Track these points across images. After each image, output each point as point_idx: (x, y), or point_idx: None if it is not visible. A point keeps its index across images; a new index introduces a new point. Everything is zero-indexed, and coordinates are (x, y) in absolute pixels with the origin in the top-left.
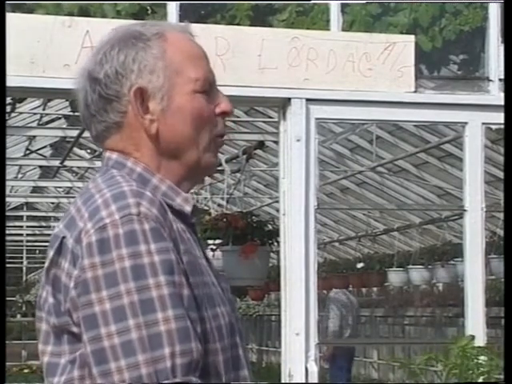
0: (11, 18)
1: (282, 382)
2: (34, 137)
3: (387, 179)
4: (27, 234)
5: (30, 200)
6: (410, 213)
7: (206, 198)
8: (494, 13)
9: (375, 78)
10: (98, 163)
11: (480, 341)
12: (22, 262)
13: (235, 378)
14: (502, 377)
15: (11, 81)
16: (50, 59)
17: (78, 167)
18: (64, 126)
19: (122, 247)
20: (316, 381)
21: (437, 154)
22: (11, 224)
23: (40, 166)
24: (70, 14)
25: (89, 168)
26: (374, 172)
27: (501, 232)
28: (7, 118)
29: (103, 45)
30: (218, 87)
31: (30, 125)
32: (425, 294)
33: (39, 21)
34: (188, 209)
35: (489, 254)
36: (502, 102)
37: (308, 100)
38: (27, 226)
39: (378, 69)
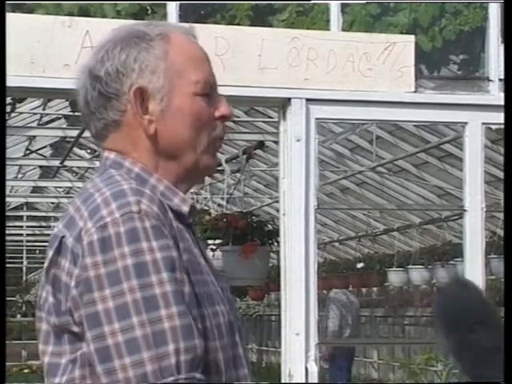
0: (11, 18)
1: (282, 382)
2: (34, 137)
3: (387, 179)
4: (27, 234)
5: (30, 200)
6: (410, 213)
7: (205, 197)
8: (494, 13)
9: (375, 78)
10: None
11: None
12: (22, 262)
13: (235, 376)
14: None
15: (11, 81)
16: (49, 59)
17: (78, 167)
18: (64, 126)
19: (124, 245)
20: (316, 381)
21: (437, 154)
22: (11, 224)
23: (40, 166)
24: (70, 14)
25: (89, 168)
26: (374, 172)
27: (501, 232)
28: (7, 117)
29: (106, 42)
30: (219, 91)
31: (30, 125)
32: (425, 293)
33: (39, 21)
34: (185, 209)
35: (489, 254)
36: (502, 102)
37: (308, 100)
38: (27, 226)
39: (378, 69)
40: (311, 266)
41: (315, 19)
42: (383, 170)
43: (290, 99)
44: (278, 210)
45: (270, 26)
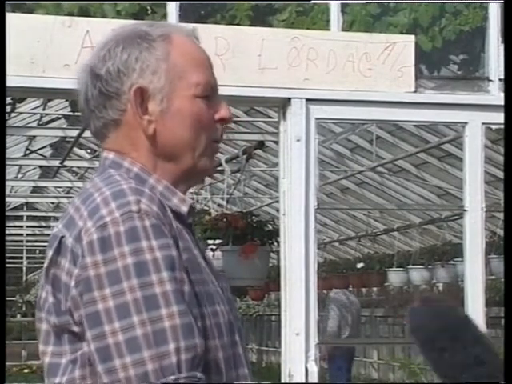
0: (11, 18)
1: (282, 382)
2: (34, 137)
3: (387, 179)
4: (27, 234)
5: (30, 200)
6: (410, 213)
7: (205, 197)
8: (494, 13)
9: (375, 78)
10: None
11: None
12: (22, 262)
13: (235, 376)
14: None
15: (11, 81)
16: (50, 59)
17: (78, 167)
18: (64, 126)
19: (124, 244)
20: (316, 381)
21: (437, 154)
22: (11, 224)
23: (40, 166)
24: (70, 14)
25: (89, 168)
26: (374, 172)
27: (501, 232)
28: (7, 117)
29: (108, 41)
30: (220, 93)
31: (30, 125)
32: (425, 294)
33: (39, 21)
34: (184, 209)
35: (489, 253)
36: (502, 102)
37: (308, 100)
38: (27, 226)
39: (378, 69)
40: (311, 266)
41: (315, 19)
42: (383, 169)
43: (290, 99)
44: (278, 210)
45: (270, 26)
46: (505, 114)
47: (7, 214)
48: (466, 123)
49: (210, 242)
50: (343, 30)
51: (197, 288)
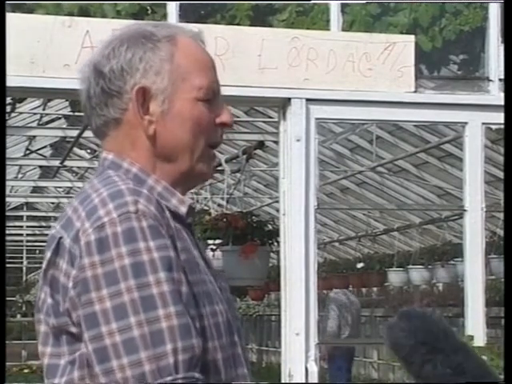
0: (11, 18)
1: (282, 382)
2: (34, 137)
3: (387, 179)
4: (27, 234)
5: (30, 200)
6: (410, 213)
7: (206, 197)
8: (494, 13)
9: (375, 78)
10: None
11: (480, 341)
12: (22, 262)
13: (234, 376)
14: (502, 377)
15: (11, 81)
16: (50, 59)
17: (78, 167)
18: (64, 126)
19: (121, 245)
20: (316, 381)
21: (437, 154)
22: (11, 224)
23: (40, 166)
24: (70, 14)
25: (89, 168)
26: (374, 172)
27: (501, 232)
28: (7, 117)
29: (113, 40)
30: (222, 98)
31: (30, 125)
32: (425, 293)
33: (39, 21)
34: (183, 210)
35: (489, 253)
36: (502, 102)
37: (308, 100)
38: (27, 226)
39: (378, 69)
40: (311, 266)
41: (315, 19)
42: (383, 169)
43: (290, 99)
44: (278, 210)
45: (270, 26)
46: (505, 114)
47: (7, 214)
48: (466, 123)
49: (210, 241)
50: (343, 30)
51: (195, 288)
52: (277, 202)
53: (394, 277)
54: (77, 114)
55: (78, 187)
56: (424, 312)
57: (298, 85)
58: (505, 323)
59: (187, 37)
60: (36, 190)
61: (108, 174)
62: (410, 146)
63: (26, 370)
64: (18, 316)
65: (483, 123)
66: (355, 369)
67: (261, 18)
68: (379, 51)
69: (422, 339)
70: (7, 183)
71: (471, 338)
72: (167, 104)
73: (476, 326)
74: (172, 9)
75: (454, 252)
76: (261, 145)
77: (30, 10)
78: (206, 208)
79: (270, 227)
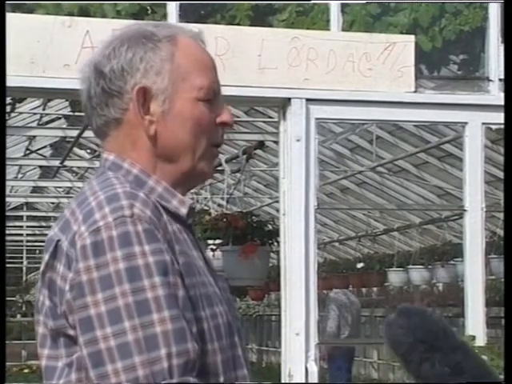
0: (11, 18)
1: (282, 382)
2: (34, 137)
3: (387, 179)
4: (27, 234)
5: (30, 200)
6: (410, 213)
7: (206, 197)
8: (494, 13)
9: (375, 78)
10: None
11: (480, 341)
12: (21, 262)
13: (234, 377)
14: (502, 377)
15: (11, 81)
16: (50, 59)
17: (78, 167)
18: (64, 126)
19: (116, 249)
20: (316, 381)
21: (437, 154)
22: (11, 224)
23: (40, 166)
24: (70, 14)
25: (89, 168)
26: (374, 172)
27: (501, 232)
28: (7, 117)
29: (114, 39)
30: (222, 98)
31: (29, 125)
32: (425, 293)
33: (39, 21)
34: (184, 211)
35: (489, 253)
36: (502, 102)
37: (308, 100)
38: (27, 226)
39: (378, 69)
40: (311, 266)
41: (315, 19)
42: (383, 169)
43: (290, 99)
44: (278, 210)
45: (270, 26)
46: (505, 114)
47: (7, 214)
48: (466, 123)
49: (210, 241)
50: (343, 30)
51: (194, 291)
52: (277, 201)
53: (394, 277)
54: (77, 114)
55: (78, 187)
56: (423, 310)
57: (298, 85)
58: (505, 323)
59: (187, 37)
60: (36, 190)
61: (107, 175)
62: (410, 145)
63: (26, 370)
64: (18, 316)
65: (483, 123)
66: (355, 369)
67: (261, 18)
68: (379, 51)
69: (421, 337)
70: (7, 183)
71: (473, 338)
72: (168, 104)
73: (476, 326)
74: (172, 9)
75: (454, 252)
76: (261, 145)
77: (30, 10)
78: (206, 208)
79: (270, 227)
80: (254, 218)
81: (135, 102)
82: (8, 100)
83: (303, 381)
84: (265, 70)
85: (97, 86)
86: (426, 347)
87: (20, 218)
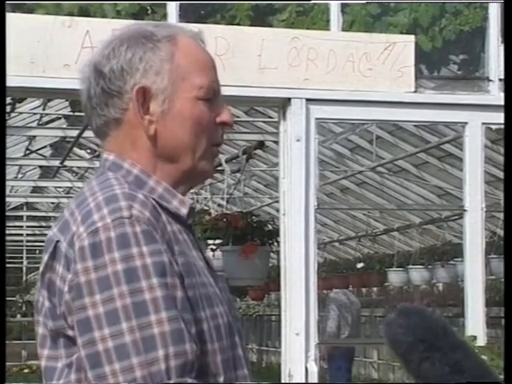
0: (11, 18)
1: (282, 382)
2: (34, 137)
3: (387, 179)
4: (27, 234)
5: (30, 200)
6: (410, 213)
7: (206, 197)
8: (494, 13)
9: (375, 78)
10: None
11: (480, 341)
12: (21, 262)
13: (235, 377)
14: (502, 377)
15: (11, 81)
16: (50, 59)
17: (78, 167)
18: (64, 126)
19: (114, 250)
20: (316, 381)
21: (437, 154)
22: (11, 224)
23: (40, 166)
24: (70, 14)
25: (89, 168)
26: (374, 172)
27: (501, 232)
28: (7, 117)
29: (113, 39)
30: (222, 98)
31: (30, 125)
32: (425, 293)
33: (39, 21)
34: (184, 211)
35: (489, 254)
36: (502, 102)
37: (308, 100)
38: (27, 226)
39: (378, 69)
40: (311, 266)
41: (315, 19)
42: (383, 169)
43: (290, 99)
44: (278, 210)
45: (270, 26)
46: (505, 114)
47: (7, 214)
48: (466, 123)
49: (210, 241)
50: (343, 30)
51: (193, 291)
52: (277, 202)
53: (394, 277)
54: (77, 114)
55: (78, 187)
56: (423, 309)
57: (298, 85)
58: (505, 323)
59: (187, 37)
60: (36, 190)
61: (107, 176)
62: (410, 145)
63: (26, 370)
64: (18, 316)
65: (483, 123)
66: (355, 369)
67: (261, 18)
68: (379, 51)
69: (421, 336)
70: (7, 183)
71: (474, 338)
72: (167, 104)
73: (476, 326)
74: (172, 9)
75: (454, 252)
76: (261, 145)
77: (30, 10)
78: (206, 208)
79: (270, 227)
80: (253, 217)
81: (135, 101)
82: (8, 100)
83: (303, 381)
84: (265, 70)
85: (96, 86)
86: (426, 346)
87: (20, 218)
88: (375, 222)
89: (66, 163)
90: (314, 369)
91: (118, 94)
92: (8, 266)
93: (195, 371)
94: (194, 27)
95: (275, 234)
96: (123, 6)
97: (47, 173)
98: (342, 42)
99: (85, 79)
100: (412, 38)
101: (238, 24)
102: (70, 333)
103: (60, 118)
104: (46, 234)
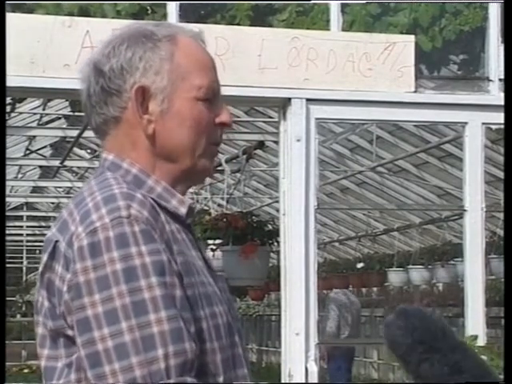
0: (11, 18)
1: (282, 382)
2: (34, 137)
3: (387, 179)
4: (27, 234)
5: (30, 200)
6: (410, 213)
7: (206, 197)
8: (494, 13)
9: (375, 77)
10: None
11: (480, 341)
12: (21, 262)
13: (234, 377)
14: (502, 377)
15: (11, 81)
16: (50, 59)
17: (78, 167)
18: (64, 126)
19: (113, 250)
20: (316, 381)
21: (437, 154)
22: (11, 224)
23: (40, 166)
24: (70, 14)
25: (89, 168)
26: (374, 172)
27: (501, 232)
28: (7, 117)
29: (113, 38)
30: (222, 96)
31: (29, 125)
32: (425, 293)
33: (39, 21)
34: (183, 211)
35: (489, 253)
36: (502, 102)
37: (308, 100)
38: (27, 226)
39: (378, 69)
40: (311, 266)
41: (315, 19)
42: (383, 169)
43: (290, 99)
44: (278, 210)
45: (270, 26)
46: (505, 114)
47: (7, 214)
48: (466, 123)
49: (210, 241)
50: (343, 30)
51: (192, 291)
52: (277, 202)
53: (394, 277)
54: (77, 113)
55: (78, 187)
56: (421, 310)
57: (297, 85)
58: (505, 323)
59: (187, 36)
60: (36, 190)
61: (105, 176)
62: (410, 145)
63: (25, 370)
64: (18, 316)
65: (483, 123)
66: (355, 369)
67: (261, 18)
68: (379, 51)
69: (420, 338)
70: (7, 183)
71: (474, 338)
72: (166, 103)
73: (476, 326)
74: (172, 9)
75: (454, 252)
76: (261, 145)
77: (30, 10)
78: (206, 208)
79: (270, 227)
80: (254, 217)
81: (134, 101)
82: (8, 100)
83: (303, 381)
84: (265, 70)
85: (96, 85)
86: (425, 348)
87: (20, 218)
88: (375, 221)
89: (66, 163)
90: (314, 369)
91: (118, 93)
92: (8, 266)
93: (195, 370)
94: (194, 27)
95: (275, 233)
96: (123, 6)
97: (47, 173)
98: (342, 42)
99: (85, 78)
100: (412, 37)
101: (238, 24)
102: (70, 332)
103: (60, 118)
104: (45, 234)
